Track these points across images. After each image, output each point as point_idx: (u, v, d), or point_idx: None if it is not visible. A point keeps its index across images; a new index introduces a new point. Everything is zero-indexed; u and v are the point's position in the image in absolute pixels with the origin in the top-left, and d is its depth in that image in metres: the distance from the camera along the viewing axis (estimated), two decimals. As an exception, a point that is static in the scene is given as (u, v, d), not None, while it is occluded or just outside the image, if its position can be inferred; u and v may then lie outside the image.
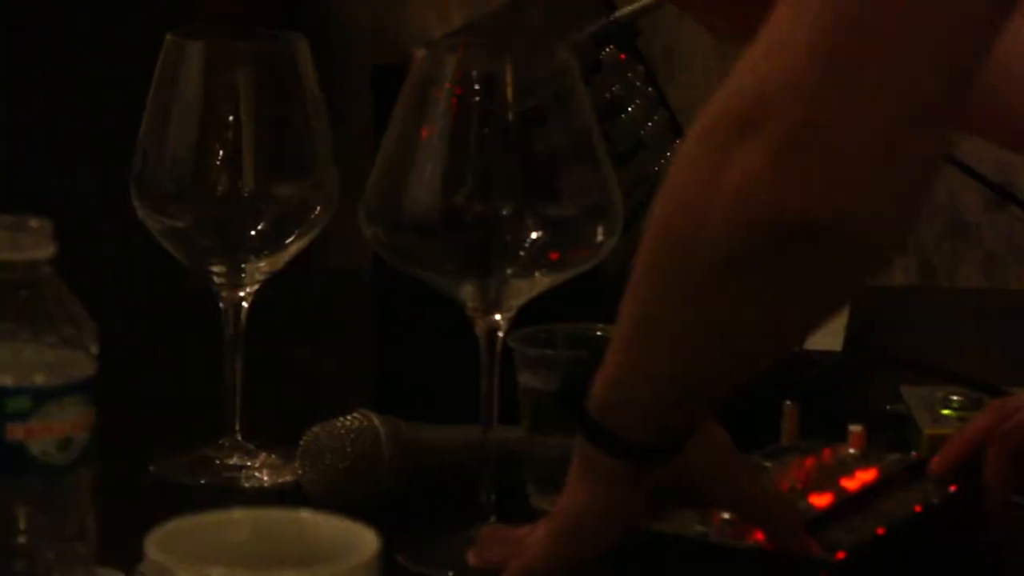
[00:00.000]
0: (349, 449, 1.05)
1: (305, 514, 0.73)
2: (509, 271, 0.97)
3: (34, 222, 0.82)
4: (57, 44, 2.21)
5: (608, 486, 0.89)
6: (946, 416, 1.12)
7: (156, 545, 0.69)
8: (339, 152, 1.11)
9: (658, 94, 1.30)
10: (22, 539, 0.80)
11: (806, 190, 0.78)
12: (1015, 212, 2.16)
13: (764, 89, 0.79)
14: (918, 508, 0.99)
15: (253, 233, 1.09)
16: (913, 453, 1.06)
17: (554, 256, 0.97)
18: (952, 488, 1.01)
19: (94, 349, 0.82)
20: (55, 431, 0.80)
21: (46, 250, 0.82)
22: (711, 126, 0.80)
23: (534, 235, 0.96)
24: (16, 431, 0.80)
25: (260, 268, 1.10)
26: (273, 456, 1.11)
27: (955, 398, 1.13)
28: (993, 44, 0.80)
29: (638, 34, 1.27)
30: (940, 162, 0.81)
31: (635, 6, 1.17)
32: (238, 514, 0.73)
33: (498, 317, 0.99)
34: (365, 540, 0.70)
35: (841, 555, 0.91)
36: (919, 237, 2.26)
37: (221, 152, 1.08)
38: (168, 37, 1.09)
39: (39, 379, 0.80)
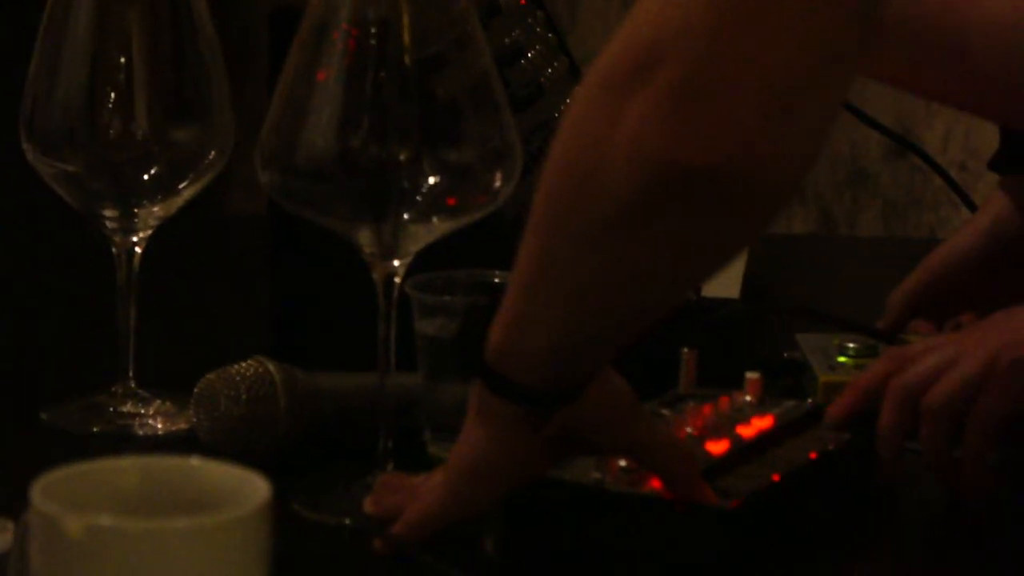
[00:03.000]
0: (244, 396, 1.04)
1: (196, 461, 0.72)
2: (406, 216, 0.96)
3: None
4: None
5: (505, 433, 0.89)
6: (842, 364, 1.13)
7: (42, 493, 0.68)
8: (239, 96, 1.10)
9: (558, 40, 1.29)
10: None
11: (698, 136, 0.78)
12: (914, 162, 2.18)
13: (660, 34, 0.78)
14: (813, 455, 0.99)
15: (146, 177, 1.08)
16: (809, 400, 1.07)
17: (451, 201, 0.96)
18: (847, 435, 1.02)
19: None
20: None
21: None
22: (608, 71, 0.80)
23: (431, 180, 0.96)
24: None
25: (153, 213, 1.09)
26: (167, 403, 1.10)
27: (851, 346, 1.13)
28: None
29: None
30: (837, 111, 0.81)
31: None
32: (127, 461, 0.72)
33: (395, 263, 0.99)
34: (257, 487, 0.70)
35: (736, 502, 0.92)
36: (819, 186, 2.27)
37: (113, 95, 1.07)
38: (57, -25, 1.07)
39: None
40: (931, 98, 1.20)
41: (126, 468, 0.71)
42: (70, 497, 0.68)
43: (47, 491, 0.68)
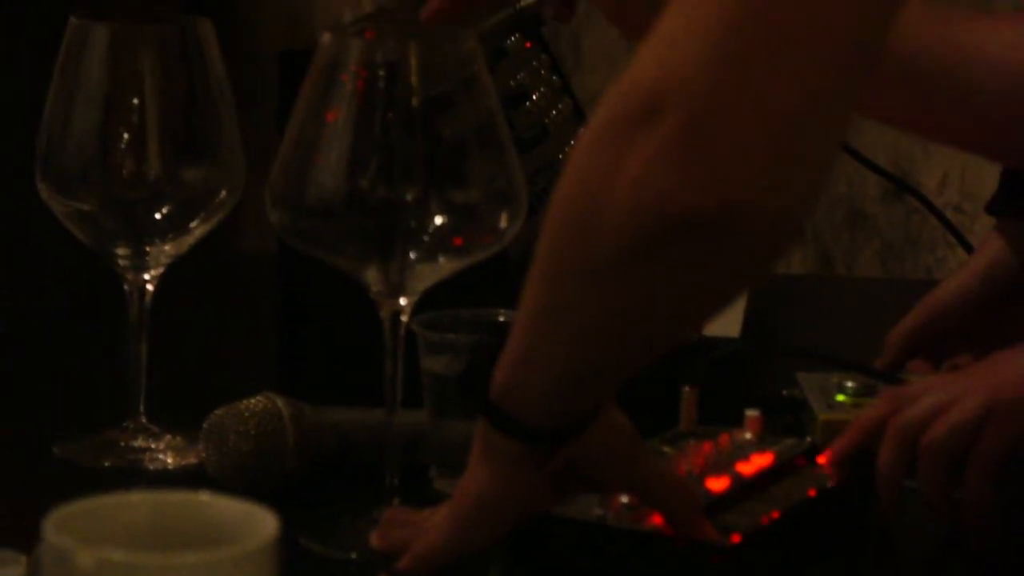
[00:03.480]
0: (253, 431, 1.04)
1: (205, 496, 0.72)
2: (413, 255, 0.96)
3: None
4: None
5: (509, 469, 0.89)
6: (841, 402, 1.12)
7: (54, 527, 0.68)
8: (249, 136, 1.10)
9: (563, 83, 1.30)
10: (-80, 521, 0.79)
11: (699, 182, 0.78)
12: (911, 204, 2.18)
13: (664, 79, 0.78)
14: (812, 492, 0.99)
15: (158, 216, 1.08)
16: (808, 438, 1.06)
17: (458, 241, 0.96)
18: (846, 473, 1.02)
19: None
20: (-46, 413, 0.79)
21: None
22: (612, 115, 0.80)
23: (438, 220, 0.96)
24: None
25: (165, 251, 1.09)
26: (177, 438, 1.10)
27: (850, 385, 1.13)
28: (886, 37, 0.80)
29: (543, 23, 1.27)
30: (834, 156, 0.81)
31: None
32: (138, 496, 0.72)
33: (402, 301, 0.98)
34: (265, 522, 0.70)
35: (736, 538, 0.92)
36: (818, 227, 2.27)
37: (126, 135, 1.07)
38: (72, 19, 1.07)
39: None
40: (933, 138, 1.20)
41: (136, 503, 0.71)
42: (82, 531, 0.68)
43: (59, 525, 0.68)
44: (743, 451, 1.01)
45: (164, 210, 1.08)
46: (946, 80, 1.01)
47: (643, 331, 0.84)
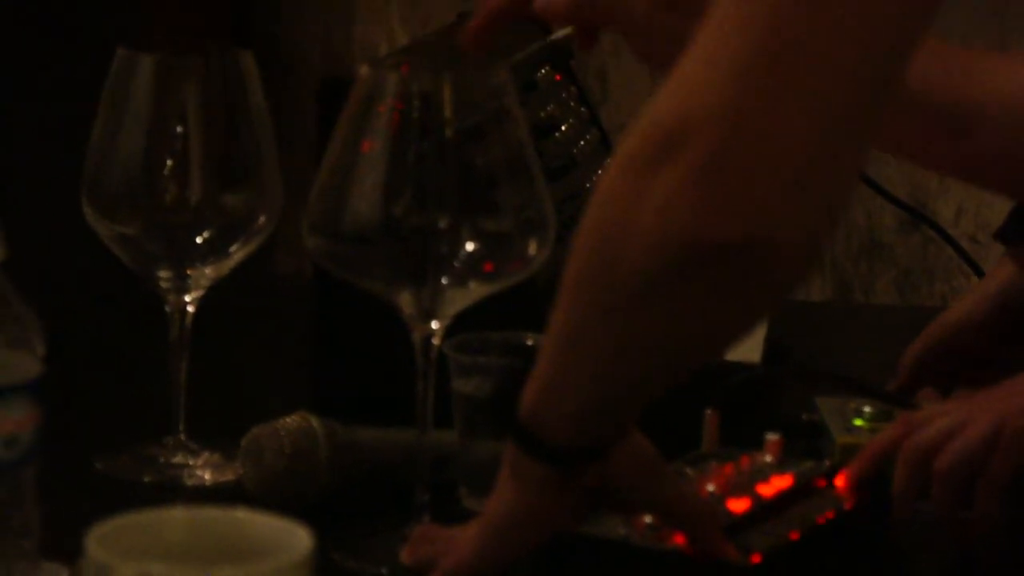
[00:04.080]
0: (288, 449, 1.04)
1: (241, 513, 0.72)
2: (444, 281, 0.96)
3: (-17, 227, 0.81)
4: (15, 54, 2.19)
5: (536, 490, 0.89)
6: (858, 426, 1.12)
7: (96, 542, 0.68)
8: (287, 164, 1.10)
9: (591, 114, 1.30)
10: (-33, 533, 0.79)
11: (721, 214, 0.78)
12: (927, 233, 2.17)
13: (685, 115, 0.78)
14: (830, 514, 0.99)
15: (199, 240, 1.08)
16: (826, 461, 1.06)
17: (488, 267, 0.96)
18: (862, 495, 1.01)
19: (40, 350, 0.81)
20: (1, 429, 0.79)
21: (-5, 253, 0.81)
22: (634, 150, 0.80)
23: (469, 247, 0.96)
24: (-38, 429, 0.78)
25: (206, 274, 1.09)
26: (215, 455, 1.10)
27: (867, 409, 1.13)
28: (903, 74, 0.80)
29: (572, 56, 1.27)
30: (851, 189, 0.81)
31: (569, 29, 1.17)
32: (177, 512, 0.72)
33: (434, 324, 0.98)
34: (299, 538, 0.70)
35: (757, 558, 0.91)
36: (836, 255, 2.27)
37: (169, 162, 1.07)
38: (120, 50, 1.08)
39: (-14, 378, 0.79)
40: (937, 170, 1.20)
41: (175, 519, 0.71)
42: (122, 546, 0.68)
43: (101, 540, 0.68)
44: (763, 473, 1.01)
45: (205, 234, 1.08)
46: (946, 115, 1.01)
47: (666, 357, 0.84)
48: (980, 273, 1.33)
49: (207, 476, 1.09)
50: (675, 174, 0.78)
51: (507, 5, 1.01)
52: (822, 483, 1.02)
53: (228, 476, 1.08)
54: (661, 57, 0.98)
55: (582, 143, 1.26)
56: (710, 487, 0.98)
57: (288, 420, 1.05)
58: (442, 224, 0.95)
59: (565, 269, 0.84)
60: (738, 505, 0.96)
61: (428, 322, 0.98)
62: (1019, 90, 1.02)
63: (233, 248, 1.09)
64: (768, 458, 1.03)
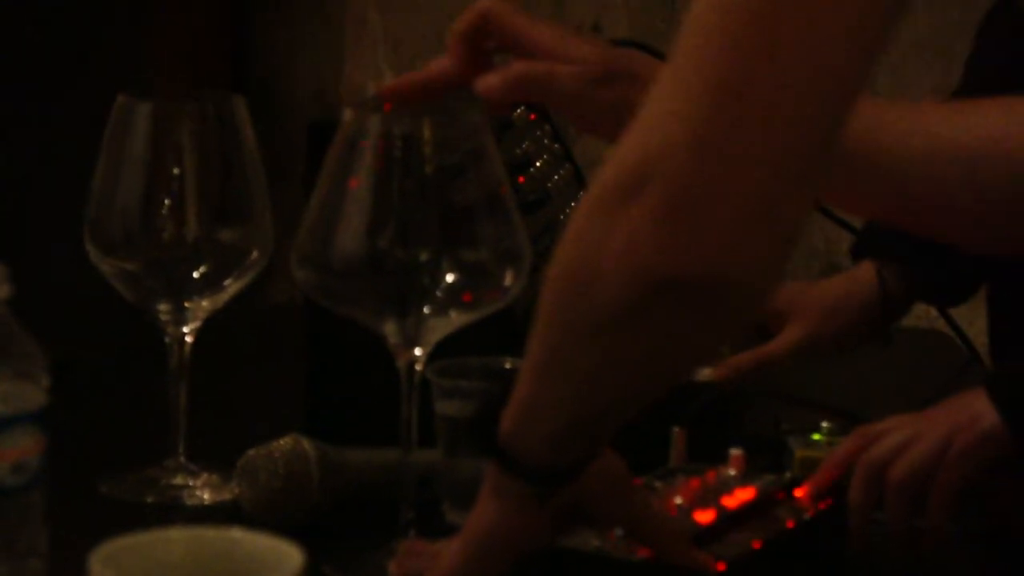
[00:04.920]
0: (282, 470, 1.04)
1: (236, 533, 0.72)
2: (427, 310, 0.97)
3: (-10, 266, 0.81)
4: (20, 100, 2.19)
5: (516, 506, 0.89)
6: (816, 441, 1.13)
7: (100, 562, 0.68)
8: (278, 201, 1.10)
9: (564, 150, 1.30)
10: (-22, 555, 0.79)
11: (683, 248, 0.78)
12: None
13: (647, 156, 0.79)
14: (791, 524, 0.99)
15: (196, 275, 1.08)
16: (787, 474, 1.06)
17: (467, 298, 0.97)
18: (821, 506, 1.02)
19: (45, 382, 0.81)
20: (9, 456, 0.79)
21: (1, 291, 0.81)
22: (602, 190, 0.80)
23: (449, 278, 0.96)
24: (-27, 456, 0.78)
25: (202, 307, 1.09)
26: (213, 476, 1.10)
27: (825, 424, 1.13)
28: (844, 124, 0.80)
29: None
30: (800, 229, 0.81)
31: None
32: (176, 533, 0.72)
33: (417, 351, 0.99)
34: (292, 556, 0.70)
35: (722, 567, 0.92)
36: (795, 278, 2.27)
37: (167, 201, 1.07)
38: (119, 97, 1.08)
39: (-5, 409, 0.79)
40: (871, 217, 1.21)
41: (175, 539, 0.71)
42: (125, 565, 0.68)
43: (104, 560, 0.68)
44: (728, 486, 1.01)
45: (201, 269, 1.08)
46: (882, 162, 1.00)
47: (635, 381, 0.84)
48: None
49: (206, 496, 1.09)
50: (637, 214, 0.78)
51: (438, 82, 1.01)
52: (783, 495, 1.02)
53: (225, 496, 1.08)
54: (605, 127, 0.98)
55: (556, 178, 1.27)
56: (678, 500, 0.98)
57: (281, 443, 1.05)
58: (424, 257, 0.95)
59: (539, 301, 0.84)
60: (704, 516, 0.97)
61: (412, 349, 0.98)
62: (963, 135, 1.01)
63: (228, 282, 1.09)
64: (732, 472, 1.03)
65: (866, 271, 1.27)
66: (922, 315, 1.82)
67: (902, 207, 1.01)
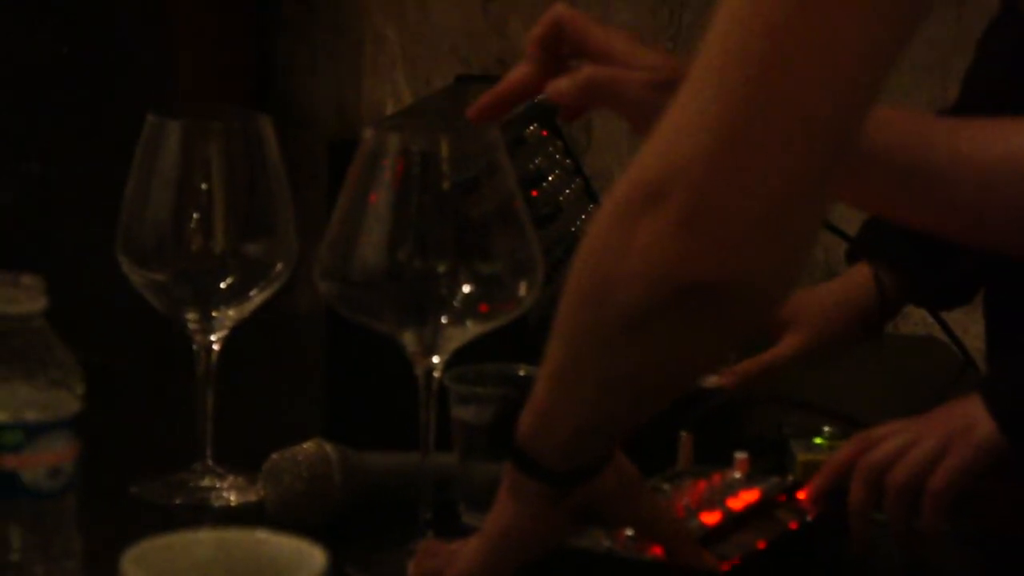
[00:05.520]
0: (305, 473, 1.04)
1: (262, 534, 0.72)
2: (444, 320, 0.97)
3: (27, 279, 0.81)
4: (57, 119, 2.20)
5: (532, 506, 0.89)
6: (818, 445, 1.12)
7: (131, 562, 0.68)
8: (301, 215, 1.11)
9: (575, 165, 1.30)
10: (15, 557, 0.79)
11: (703, 255, 0.78)
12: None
13: (669, 165, 0.79)
14: (793, 525, 0.99)
15: (223, 286, 1.08)
16: (789, 477, 1.06)
17: (483, 308, 0.97)
18: (823, 508, 1.01)
19: (79, 389, 0.81)
20: (45, 461, 0.79)
21: (38, 303, 0.81)
22: (623, 197, 0.80)
23: (466, 289, 0.96)
24: (10, 461, 0.79)
25: (229, 316, 1.10)
26: (239, 479, 1.10)
27: (826, 429, 1.13)
28: (860, 130, 0.80)
29: (557, 113, 1.27)
30: (816, 232, 0.81)
31: None
32: (204, 534, 0.72)
33: (435, 359, 0.99)
34: (314, 557, 0.70)
35: (727, 566, 0.92)
36: (796, 288, 2.27)
37: (195, 216, 1.07)
38: (149, 116, 1.08)
39: (31, 416, 0.79)
40: (903, 223, 1.20)
41: (203, 540, 0.72)
42: (155, 566, 0.68)
43: (135, 560, 0.68)
44: (733, 488, 1.01)
45: (228, 280, 1.08)
46: (914, 172, 1.00)
47: (651, 385, 0.84)
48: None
49: (232, 498, 1.09)
50: (659, 221, 0.78)
51: (520, 89, 1.01)
52: (786, 497, 1.02)
53: (251, 497, 1.08)
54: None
55: (567, 192, 1.27)
56: (685, 501, 0.98)
57: (305, 446, 1.05)
58: (441, 269, 0.95)
59: (558, 308, 0.84)
60: (710, 517, 0.97)
61: (430, 357, 0.98)
62: (981, 152, 1.01)
63: (253, 292, 1.09)
64: (737, 475, 1.03)
65: (862, 274, 1.26)
66: (919, 322, 1.82)
67: (938, 214, 1.01)
